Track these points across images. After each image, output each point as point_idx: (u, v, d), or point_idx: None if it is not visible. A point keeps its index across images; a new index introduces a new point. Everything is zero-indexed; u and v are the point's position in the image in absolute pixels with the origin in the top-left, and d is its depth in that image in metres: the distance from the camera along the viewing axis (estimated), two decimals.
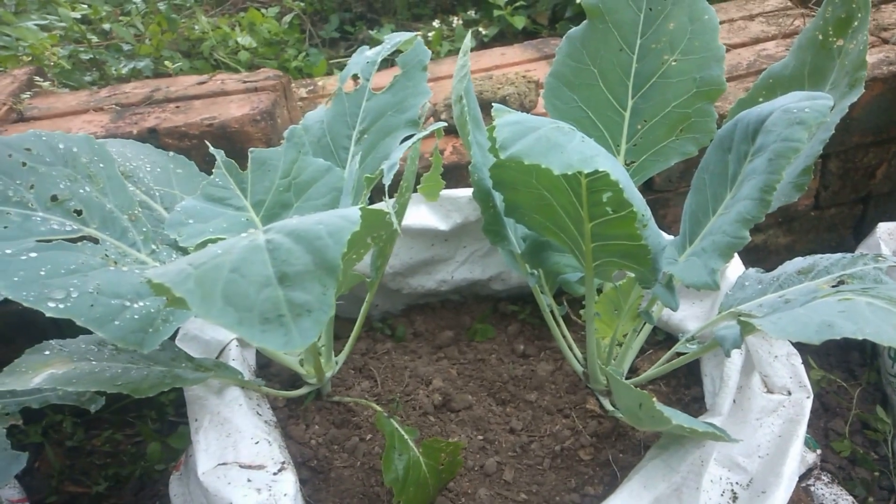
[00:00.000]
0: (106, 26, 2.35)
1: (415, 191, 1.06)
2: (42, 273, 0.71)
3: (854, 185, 1.43)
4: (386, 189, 0.74)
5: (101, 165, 0.85)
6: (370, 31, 2.63)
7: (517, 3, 2.47)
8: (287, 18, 2.64)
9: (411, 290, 1.31)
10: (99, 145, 0.86)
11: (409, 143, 0.78)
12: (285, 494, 0.79)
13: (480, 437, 1.07)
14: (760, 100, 1.01)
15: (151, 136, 1.15)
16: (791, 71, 0.99)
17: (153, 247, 0.86)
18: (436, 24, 2.55)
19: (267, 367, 1.10)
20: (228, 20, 2.58)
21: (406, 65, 1.04)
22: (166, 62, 1.98)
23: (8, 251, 0.71)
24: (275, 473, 0.82)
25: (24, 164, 0.79)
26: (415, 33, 1.08)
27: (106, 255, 0.78)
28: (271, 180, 0.97)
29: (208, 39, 2.41)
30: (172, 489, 1.04)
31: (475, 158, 0.93)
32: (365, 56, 1.10)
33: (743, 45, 1.45)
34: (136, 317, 0.74)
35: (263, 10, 2.68)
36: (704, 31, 0.95)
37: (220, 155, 0.97)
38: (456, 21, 2.61)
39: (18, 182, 0.77)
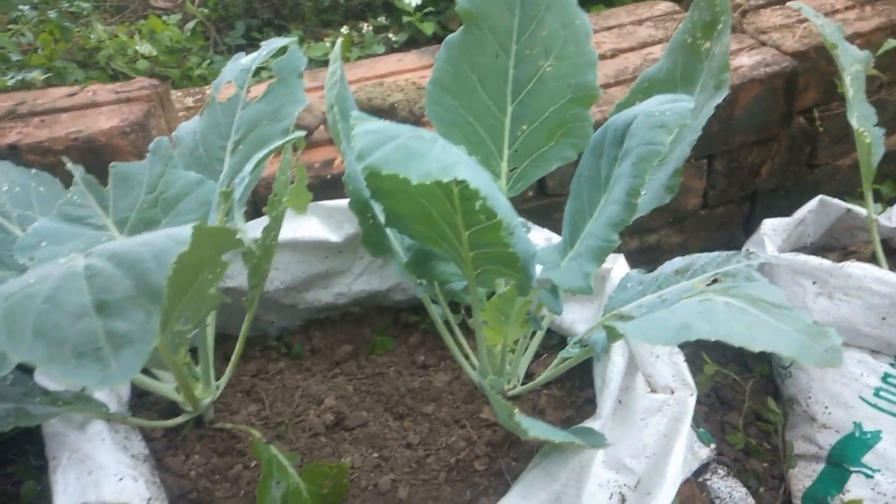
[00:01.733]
0: None
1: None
2: None
3: (741, 184, 1.48)
4: (235, 204, 0.70)
5: None
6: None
7: (426, 10, 2.46)
8: (190, 25, 2.54)
9: (308, 305, 1.26)
10: None
11: (260, 155, 0.75)
12: None
13: (376, 455, 1.04)
14: (637, 102, 1.03)
15: (12, 153, 1.07)
16: (664, 74, 1.01)
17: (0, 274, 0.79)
18: (345, 30, 2.51)
19: (146, 396, 1.04)
20: (127, 28, 2.47)
21: (282, 71, 1.01)
22: (58, 76, 1.86)
23: None
24: None
25: None
26: (290, 39, 1.05)
27: None
28: (136, 196, 0.92)
29: (105, 48, 2.29)
30: None
31: (350, 168, 0.90)
32: (240, 63, 1.05)
33: (631, 49, 1.48)
34: None
35: (165, 18, 2.58)
36: (577, 36, 0.96)
37: (77, 170, 0.90)
38: (366, 27, 2.58)
39: None
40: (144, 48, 2.39)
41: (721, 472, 1.25)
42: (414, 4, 2.42)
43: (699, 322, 0.65)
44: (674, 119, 0.76)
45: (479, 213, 0.78)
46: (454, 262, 0.93)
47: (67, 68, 2.16)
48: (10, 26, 2.40)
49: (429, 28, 2.50)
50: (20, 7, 2.56)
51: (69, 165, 0.90)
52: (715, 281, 0.92)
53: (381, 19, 2.64)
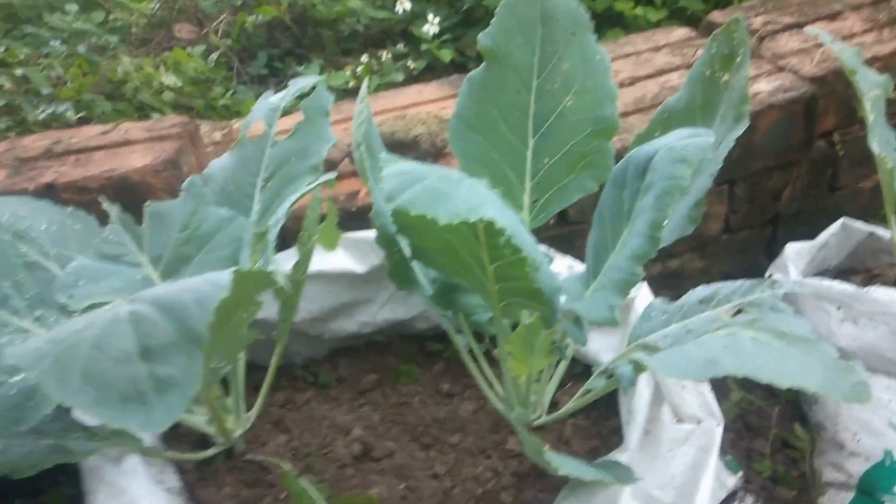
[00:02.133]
0: (18, 72, 2.27)
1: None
2: None
3: (762, 208, 1.48)
4: (271, 245, 0.73)
5: None
6: (298, 68, 2.62)
7: (444, 37, 2.50)
8: (213, 56, 2.60)
9: (333, 335, 1.28)
10: None
11: (294, 197, 0.77)
12: None
13: (402, 486, 1.04)
14: (657, 133, 1.04)
15: (49, 192, 1.11)
16: (684, 105, 1.02)
17: (39, 313, 0.82)
18: (364, 58, 2.56)
19: (177, 427, 1.06)
20: (153, 60, 2.54)
21: (309, 110, 1.04)
22: (87, 108, 1.92)
23: None
24: None
25: None
26: (318, 78, 1.08)
27: None
28: (169, 234, 0.95)
29: (131, 80, 2.36)
30: None
31: (377, 204, 0.92)
32: (268, 102, 1.09)
33: (648, 76, 1.50)
34: (12, 392, 0.70)
35: (189, 49, 2.64)
36: (596, 71, 0.98)
37: (114, 210, 0.94)
38: (385, 55, 2.62)
39: None
40: (170, 80, 2.45)
41: (749, 500, 1.24)
42: (432, 32, 2.46)
43: (726, 357, 0.66)
44: (695, 153, 0.78)
45: (504, 248, 0.80)
46: (479, 294, 0.94)
47: (95, 101, 2.23)
48: (39, 61, 2.48)
49: (446, 55, 2.53)
50: (50, 42, 2.64)
51: (105, 205, 0.93)
52: (740, 311, 0.93)
53: (400, 47, 2.69)
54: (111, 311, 0.55)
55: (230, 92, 2.53)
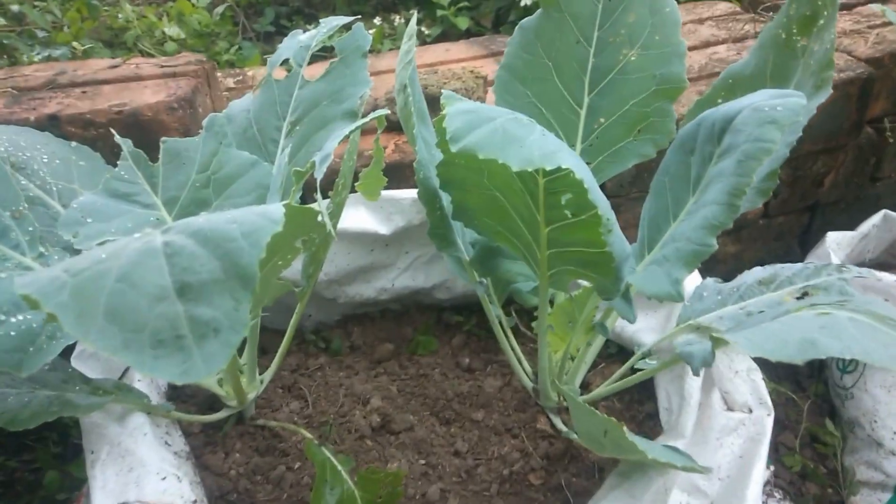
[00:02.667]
0: (14, 7, 2.15)
1: (353, 190, 0.96)
2: None
3: (803, 194, 1.41)
4: (318, 186, 0.64)
5: None
6: (307, 27, 2.52)
7: (461, 4, 2.41)
8: (219, 10, 2.50)
9: (348, 299, 1.20)
10: None
11: (346, 131, 0.68)
12: None
13: (423, 462, 0.97)
14: (720, 100, 0.96)
15: (52, 124, 1.01)
16: (752, 70, 0.94)
17: (41, 249, 0.73)
18: (377, 21, 2.46)
19: (182, 388, 0.98)
20: (156, 10, 2.42)
21: (344, 50, 0.94)
22: (76, 45, 1.81)
23: None
24: None
25: None
26: (353, 18, 0.99)
27: None
28: (187, 174, 0.86)
29: (133, 29, 2.24)
30: None
31: (420, 155, 0.84)
32: (298, 40, 0.99)
33: (694, 48, 1.42)
34: (12, 333, 0.61)
35: (194, 1, 2.53)
36: (665, 24, 0.89)
37: (126, 144, 0.84)
38: (398, 19, 2.53)
39: None
40: (173, 30, 2.34)
41: (777, 495, 1.18)
42: None
43: (826, 338, 0.58)
44: (786, 115, 0.70)
45: (565, 208, 0.72)
46: (524, 260, 0.86)
47: (94, 47, 2.11)
48: (36, 3, 2.35)
49: (463, 23, 2.44)
50: None
51: (117, 138, 0.84)
52: (805, 294, 0.86)
53: (414, 12, 2.59)
54: (141, 240, 0.47)
55: (235, 47, 2.43)
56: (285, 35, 2.85)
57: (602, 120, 0.93)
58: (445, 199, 0.87)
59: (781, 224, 1.45)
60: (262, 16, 2.68)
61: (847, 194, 1.46)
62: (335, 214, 0.81)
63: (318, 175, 0.62)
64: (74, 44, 1.72)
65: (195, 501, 0.72)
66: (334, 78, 0.93)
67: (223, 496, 0.86)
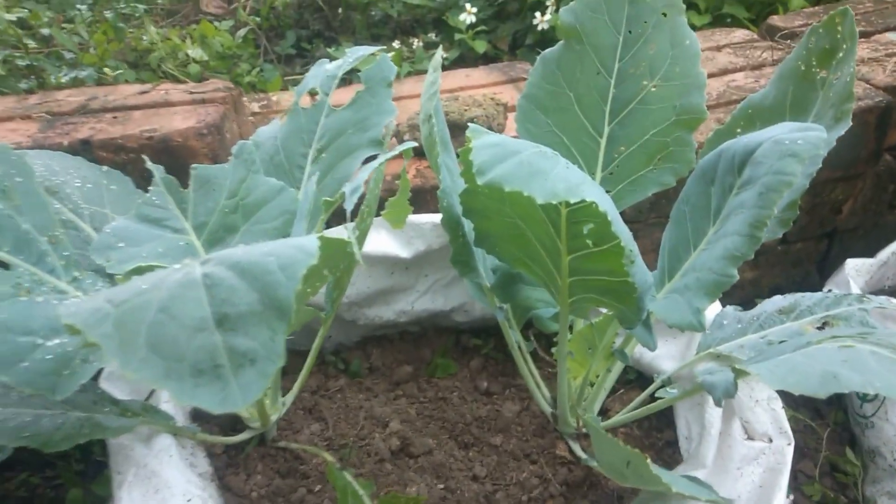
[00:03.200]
0: (45, 31, 2.21)
1: (377, 215, 0.97)
2: None
3: (821, 221, 1.41)
4: (348, 214, 0.66)
5: (18, 179, 0.74)
6: (328, 49, 2.56)
7: (478, 28, 2.45)
8: (241, 33, 2.55)
9: (368, 321, 1.22)
10: (17, 156, 0.76)
11: (376, 163, 0.70)
12: None
13: (441, 486, 0.98)
14: (739, 130, 0.98)
15: (84, 149, 1.04)
16: (771, 101, 0.95)
17: (75, 273, 0.75)
18: (396, 44, 2.50)
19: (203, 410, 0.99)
20: (179, 32, 2.48)
21: (370, 80, 0.97)
22: (106, 69, 1.86)
23: None
24: None
25: None
26: (379, 47, 1.01)
27: (18, 284, 0.67)
28: (216, 200, 0.88)
29: (157, 50, 2.30)
30: None
31: (444, 183, 0.85)
32: (325, 69, 1.02)
33: (712, 75, 1.43)
34: (48, 357, 0.63)
35: (217, 23, 2.58)
36: (685, 56, 0.91)
37: (158, 171, 0.87)
38: (416, 43, 2.56)
39: None
40: (196, 52, 2.39)
41: None
42: (468, 22, 2.40)
43: (848, 372, 0.59)
44: (806, 148, 0.71)
45: (587, 238, 0.73)
46: (545, 287, 0.87)
47: (119, 68, 2.17)
48: (63, 25, 2.42)
49: (481, 46, 2.47)
50: (77, 7, 2.58)
51: (149, 164, 0.86)
52: (826, 324, 0.86)
53: (431, 35, 2.63)
54: (181, 271, 0.49)
55: (256, 69, 2.48)
56: (306, 58, 2.88)
57: (622, 149, 0.95)
58: (468, 226, 0.88)
59: (799, 250, 1.45)
60: (283, 38, 2.73)
61: (865, 221, 1.46)
62: (360, 240, 0.83)
63: (349, 206, 0.64)
64: (106, 69, 1.76)
65: None
66: (360, 107, 0.95)
67: None
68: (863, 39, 1.53)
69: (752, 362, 0.72)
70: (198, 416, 0.98)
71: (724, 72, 1.44)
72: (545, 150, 0.65)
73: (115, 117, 1.09)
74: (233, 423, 0.96)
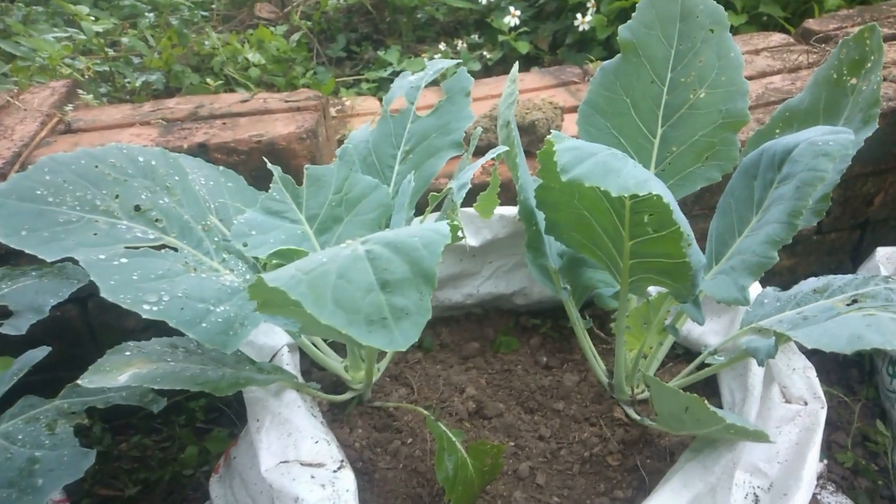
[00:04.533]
0: (125, 40, 2.40)
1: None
2: (135, 277, 0.76)
3: (853, 212, 1.52)
4: (457, 206, 0.81)
5: (177, 178, 0.90)
6: (376, 52, 2.71)
7: (520, 29, 2.57)
8: (295, 37, 2.70)
9: (438, 303, 1.37)
10: (174, 158, 0.92)
11: (476, 164, 0.85)
12: (347, 490, 0.84)
13: (512, 444, 1.12)
14: (777, 131, 1.10)
15: (201, 151, 1.20)
16: (807, 106, 1.08)
17: (224, 255, 0.91)
18: (442, 46, 2.63)
19: (308, 374, 1.15)
20: (238, 37, 2.64)
21: (450, 90, 1.11)
22: (175, 79, 2.04)
23: (101, 256, 0.77)
24: (335, 471, 0.87)
25: (108, 175, 0.84)
26: (456, 61, 1.16)
27: (186, 263, 0.83)
28: (324, 196, 1.03)
29: (218, 55, 2.46)
30: (213, 490, 1.08)
31: (522, 180, 0.99)
32: (408, 81, 1.17)
33: (751, 77, 1.55)
34: (219, 320, 0.79)
35: (272, 28, 2.74)
36: (731, 67, 1.03)
37: (276, 171, 1.02)
38: (460, 44, 2.69)
39: (104, 192, 0.83)
40: (255, 57, 2.55)
41: (830, 487, 1.29)
42: (512, 24, 2.52)
43: (871, 333, 0.72)
44: (837, 149, 0.84)
45: (647, 226, 0.87)
46: (607, 269, 1.01)
47: (185, 72, 2.35)
48: (129, 30, 2.60)
49: (523, 47, 2.60)
50: (146, 14, 2.77)
51: (269, 166, 1.02)
52: (854, 301, 0.99)
53: (475, 37, 2.76)
54: (348, 249, 0.64)
55: (309, 72, 2.63)
56: (355, 60, 3.02)
57: (674, 149, 1.08)
58: (540, 216, 1.02)
59: (833, 240, 1.56)
60: (333, 42, 2.89)
61: None
62: (454, 231, 0.97)
63: (458, 199, 0.79)
64: (209, 81, 1.93)
65: (342, 461, 0.89)
66: (442, 114, 1.10)
67: (351, 464, 1.02)
68: (892, 41, 1.63)
69: (800, 328, 0.85)
70: (307, 378, 1.14)
71: (763, 74, 1.55)
72: (616, 152, 0.79)
73: (224, 123, 1.25)
74: (334, 386, 1.12)
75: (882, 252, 1.42)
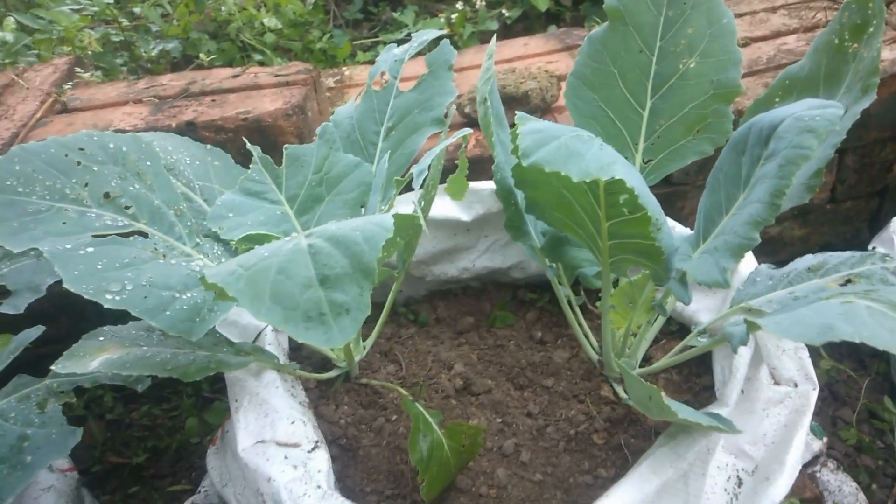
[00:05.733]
0: (136, 10, 2.40)
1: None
2: (99, 267, 0.77)
3: (871, 179, 1.45)
4: (416, 187, 0.79)
5: (149, 163, 0.91)
6: (393, 13, 2.66)
7: None
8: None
9: (434, 278, 1.36)
10: (146, 144, 0.92)
11: (437, 149, 0.83)
12: (319, 471, 0.86)
13: (499, 420, 1.13)
14: (777, 100, 1.05)
15: (189, 129, 1.21)
16: (807, 73, 1.02)
17: (197, 240, 0.92)
18: (459, 5, 2.57)
19: (298, 350, 1.17)
20: (254, 1, 2.62)
21: (432, 64, 1.09)
22: (192, 47, 2.03)
23: (67, 246, 0.78)
24: (309, 451, 0.88)
25: (78, 164, 0.85)
26: (441, 32, 1.12)
27: (155, 249, 0.84)
28: (304, 175, 1.03)
29: (235, 21, 2.44)
30: (210, 462, 1.12)
31: (498, 158, 0.97)
32: (393, 54, 1.14)
33: (764, 38, 1.47)
34: (184, 307, 0.80)
35: None
36: (722, 34, 0.98)
37: (256, 151, 1.02)
38: (479, 2, 2.62)
39: (74, 180, 0.84)
40: (270, 22, 2.53)
41: (831, 465, 1.26)
42: None
43: (842, 323, 0.69)
44: (823, 125, 0.79)
45: (623, 207, 0.84)
46: (589, 248, 0.99)
47: (201, 39, 2.34)
48: None
49: (542, 4, 2.52)
50: None
51: (249, 146, 1.02)
52: (849, 281, 0.94)
53: None
54: (290, 242, 0.63)
55: (326, 36, 2.60)
56: (373, 21, 2.98)
57: (663, 121, 1.04)
58: (519, 195, 1.00)
59: (849, 209, 1.49)
60: (350, 4, 2.84)
61: None
62: (426, 209, 0.96)
63: (416, 186, 0.77)
64: (202, 56, 1.92)
65: (317, 441, 0.90)
66: (424, 89, 1.08)
67: (335, 440, 1.04)
68: None
69: (775, 314, 0.82)
70: (294, 357, 1.16)
71: (777, 34, 1.47)
72: (582, 133, 0.76)
73: (213, 100, 1.25)
74: (322, 363, 1.13)
75: None
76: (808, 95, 1.01)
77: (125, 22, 2.40)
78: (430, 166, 0.78)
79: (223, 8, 2.49)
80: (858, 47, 0.95)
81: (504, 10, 2.59)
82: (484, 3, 2.63)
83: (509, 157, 1.00)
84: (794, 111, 0.83)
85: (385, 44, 2.50)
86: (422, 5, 2.81)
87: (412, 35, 1.16)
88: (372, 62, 2.51)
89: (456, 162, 0.97)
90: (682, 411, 0.72)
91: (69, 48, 2.04)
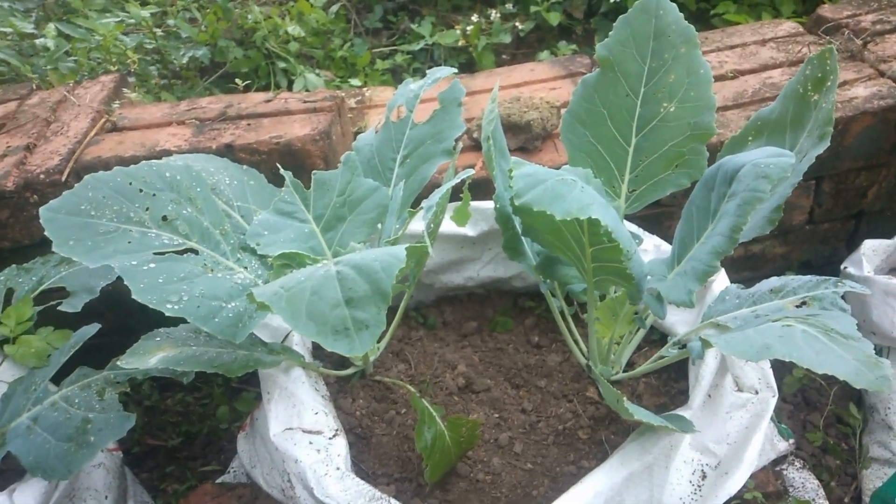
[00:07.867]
0: (171, 22, 2.55)
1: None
2: (160, 280, 0.92)
3: (846, 204, 1.57)
4: (426, 232, 0.94)
5: (198, 189, 1.06)
6: (411, 24, 2.79)
7: (553, 0, 2.60)
8: (334, 8, 2.78)
9: (442, 285, 1.51)
10: (196, 172, 1.07)
11: (444, 188, 0.97)
12: (338, 455, 1.01)
13: (496, 415, 1.27)
14: (750, 139, 1.18)
15: (228, 151, 1.36)
16: (776, 116, 1.15)
17: (238, 255, 1.07)
18: (474, 18, 2.69)
19: (320, 349, 1.32)
20: (279, 9, 2.75)
21: (444, 101, 1.23)
22: (220, 54, 2.15)
23: (133, 262, 0.93)
24: (330, 438, 1.04)
25: (140, 191, 1.00)
26: (452, 70, 1.26)
27: (205, 264, 0.99)
28: (329, 197, 1.17)
29: (260, 29, 2.58)
30: (240, 446, 1.27)
31: (498, 188, 1.11)
32: (409, 89, 1.28)
33: (752, 71, 1.59)
34: (230, 315, 0.95)
35: (311, 0, 2.83)
36: (699, 83, 1.11)
37: (288, 176, 1.17)
38: (494, 14, 2.74)
39: (137, 205, 0.99)
40: (294, 30, 2.66)
41: (797, 464, 1.40)
42: None
43: (778, 344, 0.82)
44: (776, 172, 0.92)
45: (603, 237, 0.98)
46: (576, 268, 1.13)
47: (229, 46, 2.49)
48: (177, 2, 2.75)
49: (554, 18, 2.64)
50: None
51: (282, 171, 1.17)
52: (804, 303, 1.08)
53: (509, 6, 2.80)
54: (322, 268, 0.78)
55: (347, 44, 2.73)
56: (391, 30, 3.11)
57: (646, 157, 1.17)
58: (516, 220, 1.14)
59: (827, 230, 1.61)
60: (371, 12, 2.97)
61: (892, 204, 1.60)
62: (434, 232, 1.11)
63: (425, 220, 0.92)
64: (238, 81, 2.06)
65: (336, 430, 1.05)
66: (436, 122, 1.22)
67: (351, 430, 1.20)
68: (889, 35, 1.63)
69: (728, 333, 0.96)
70: (317, 356, 1.31)
71: (764, 67, 1.60)
72: (567, 177, 0.90)
73: (248, 124, 1.40)
74: (341, 361, 1.29)
75: (868, 245, 1.48)
76: (777, 137, 1.14)
77: (158, 31, 2.56)
78: (436, 203, 0.92)
79: (250, 16, 2.63)
80: (818, 97, 1.08)
81: (517, 24, 2.72)
82: (498, 16, 2.76)
83: (508, 189, 1.14)
84: (754, 157, 0.96)
85: (403, 53, 2.64)
86: (439, 16, 2.95)
87: (433, 44, 1.29)
88: (390, 70, 2.64)
89: (461, 195, 1.12)
90: (638, 413, 0.87)
91: (105, 54, 2.19)
